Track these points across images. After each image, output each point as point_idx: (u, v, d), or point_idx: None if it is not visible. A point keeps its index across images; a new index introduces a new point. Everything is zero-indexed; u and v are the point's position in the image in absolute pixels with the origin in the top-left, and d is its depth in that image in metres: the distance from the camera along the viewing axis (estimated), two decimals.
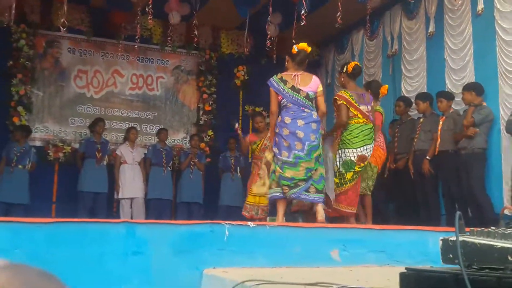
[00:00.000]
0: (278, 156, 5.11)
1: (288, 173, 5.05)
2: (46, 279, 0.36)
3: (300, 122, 5.07)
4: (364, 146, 5.63)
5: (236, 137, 8.51)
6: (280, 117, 5.15)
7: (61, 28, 7.21)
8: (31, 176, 8.24)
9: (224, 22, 9.98)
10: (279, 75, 5.24)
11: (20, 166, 8.08)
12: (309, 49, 5.42)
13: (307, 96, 5.15)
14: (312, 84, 5.24)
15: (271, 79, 5.22)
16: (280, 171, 5.07)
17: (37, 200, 8.26)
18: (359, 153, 5.60)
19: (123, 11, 8.88)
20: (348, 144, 5.61)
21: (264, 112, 10.41)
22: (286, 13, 8.25)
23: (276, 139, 5.16)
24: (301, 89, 5.14)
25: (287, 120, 5.08)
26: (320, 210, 5.12)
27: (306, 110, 5.11)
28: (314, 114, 5.15)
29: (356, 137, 5.62)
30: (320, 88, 5.32)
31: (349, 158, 5.58)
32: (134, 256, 3.00)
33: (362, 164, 5.63)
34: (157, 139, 9.18)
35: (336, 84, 10.23)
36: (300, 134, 5.04)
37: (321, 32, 9.74)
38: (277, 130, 5.15)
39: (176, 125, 10.03)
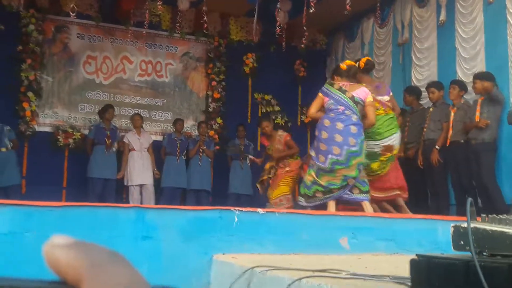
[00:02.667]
0: (315, 161, 5.08)
1: (323, 180, 5.00)
2: (115, 258, 0.36)
3: (339, 125, 5.00)
4: (390, 136, 5.59)
5: (245, 124, 8.52)
6: (320, 120, 5.17)
7: (70, 13, 7.23)
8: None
9: (233, 9, 9.93)
10: (329, 82, 5.40)
11: (2, 149, 7.86)
12: (356, 64, 5.57)
13: (352, 98, 5.15)
14: (360, 92, 5.25)
15: (322, 87, 5.34)
16: (315, 177, 5.03)
17: (47, 185, 8.30)
18: (385, 144, 5.56)
19: None
20: (371, 136, 5.53)
21: (273, 100, 10.42)
22: (295, 0, 8.21)
23: (315, 142, 5.16)
24: (347, 91, 5.18)
25: (327, 123, 5.06)
26: (367, 206, 5.04)
27: (346, 112, 5.06)
28: (354, 117, 5.08)
29: (379, 129, 5.56)
30: (370, 99, 5.28)
31: (372, 150, 5.52)
32: (144, 240, 3.02)
33: (388, 154, 5.59)
34: (173, 128, 9.19)
35: None
36: (339, 138, 4.96)
37: (330, 19, 9.69)
38: (316, 133, 5.16)
39: (185, 112, 10.03)
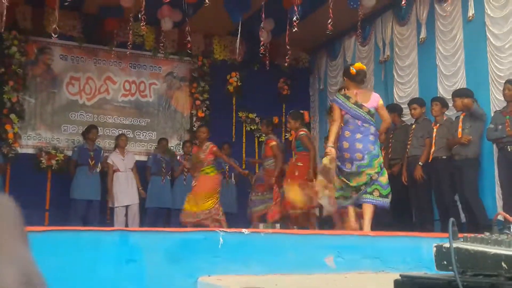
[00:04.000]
0: (342, 168, 5.34)
1: (354, 182, 5.30)
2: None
3: (359, 136, 5.32)
4: None
5: (230, 142, 8.58)
6: (341, 131, 5.41)
7: (53, 34, 7.21)
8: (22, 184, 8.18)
9: (217, 29, 9.99)
10: (342, 92, 5.57)
11: None
12: (365, 67, 5.82)
13: (368, 112, 5.39)
14: (372, 100, 5.49)
15: (334, 97, 5.55)
16: (346, 181, 5.32)
17: (30, 207, 8.18)
18: None
19: (116, 18, 8.87)
20: None
21: (257, 118, 10.45)
22: (278, 20, 8.28)
23: (337, 152, 5.40)
24: (363, 105, 5.40)
25: (347, 134, 5.35)
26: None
27: (365, 125, 5.34)
28: (372, 129, 5.39)
29: None
30: (381, 102, 5.57)
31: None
32: (128, 264, 2.99)
33: None
34: (157, 148, 9.17)
35: (329, 90, 10.28)
36: (359, 145, 5.28)
37: (313, 38, 9.78)
38: (338, 144, 5.40)
39: (169, 131, 10.01)
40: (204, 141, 7.82)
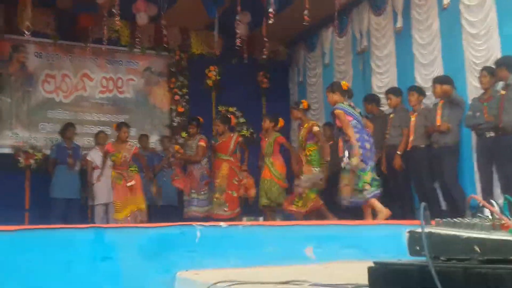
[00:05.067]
0: (370, 164, 5.93)
1: (375, 176, 5.96)
2: None
3: (366, 137, 5.97)
4: None
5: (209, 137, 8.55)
6: (356, 135, 5.85)
7: (26, 32, 7.09)
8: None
9: (193, 23, 9.90)
10: (344, 103, 6.06)
11: None
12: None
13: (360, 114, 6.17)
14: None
15: (340, 106, 5.97)
16: (372, 175, 5.92)
17: (9, 208, 8.06)
18: None
19: (90, 13, 8.75)
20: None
21: (238, 112, 10.42)
22: (255, 12, 8.25)
23: (361, 151, 5.83)
24: (361, 115, 6.24)
25: (357, 136, 5.86)
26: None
27: (363, 129, 6.05)
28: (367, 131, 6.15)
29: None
30: None
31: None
32: (103, 261, 2.93)
33: None
34: (138, 144, 9.07)
35: (308, 83, 10.27)
36: (368, 145, 5.94)
37: (290, 30, 9.76)
38: (359, 144, 5.84)
39: (148, 127, 9.92)
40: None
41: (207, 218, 7.54)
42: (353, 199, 5.91)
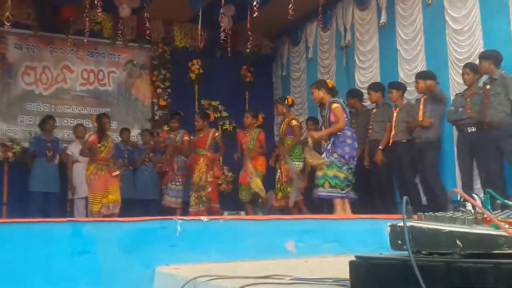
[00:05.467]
0: (351, 164, 5.94)
1: (350, 177, 5.94)
2: None
3: (354, 136, 6.09)
4: None
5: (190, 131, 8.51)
6: (348, 132, 5.96)
7: (6, 23, 6.94)
8: None
9: (177, 15, 9.81)
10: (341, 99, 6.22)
11: None
12: None
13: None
14: None
15: (338, 100, 6.09)
16: (347, 174, 5.89)
17: None
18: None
19: (72, 5, 8.61)
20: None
21: (221, 106, 10.37)
22: (239, 5, 8.18)
23: (347, 148, 5.88)
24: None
25: (348, 133, 5.96)
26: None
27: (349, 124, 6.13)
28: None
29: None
30: None
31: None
32: (81, 255, 2.88)
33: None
34: (119, 138, 8.97)
35: (292, 77, 10.25)
36: (356, 145, 6.08)
37: (274, 24, 9.70)
38: (349, 141, 5.91)
39: (130, 121, 9.82)
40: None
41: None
42: (322, 193, 5.95)
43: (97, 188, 7.47)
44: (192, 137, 8.20)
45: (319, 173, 5.91)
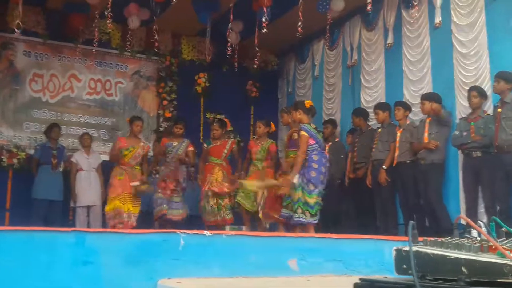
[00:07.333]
0: (319, 186, 5.88)
1: (319, 201, 5.92)
2: None
3: (324, 160, 6.02)
4: None
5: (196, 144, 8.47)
6: (309, 155, 5.91)
7: (16, 30, 7.00)
8: None
9: (185, 29, 9.90)
10: (310, 125, 6.09)
11: None
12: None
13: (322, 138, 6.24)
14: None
15: (306, 127, 5.99)
16: (318, 199, 5.89)
17: None
18: None
19: (81, 14, 8.69)
20: None
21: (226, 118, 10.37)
22: (247, 21, 8.25)
23: (312, 172, 5.86)
24: (319, 132, 6.25)
25: (316, 158, 5.92)
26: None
27: (323, 151, 6.12)
28: (325, 152, 6.23)
29: None
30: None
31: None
32: (84, 266, 2.88)
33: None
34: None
35: (297, 94, 10.28)
36: (323, 169, 5.98)
37: (282, 41, 9.78)
38: (315, 166, 5.88)
39: None
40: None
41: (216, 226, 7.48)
42: (289, 215, 6.02)
43: (112, 191, 7.22)
44: (205, 146, 8.01)
45: (294, 197, 5.92)
